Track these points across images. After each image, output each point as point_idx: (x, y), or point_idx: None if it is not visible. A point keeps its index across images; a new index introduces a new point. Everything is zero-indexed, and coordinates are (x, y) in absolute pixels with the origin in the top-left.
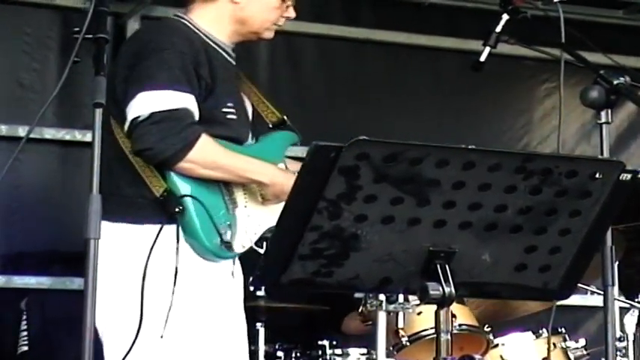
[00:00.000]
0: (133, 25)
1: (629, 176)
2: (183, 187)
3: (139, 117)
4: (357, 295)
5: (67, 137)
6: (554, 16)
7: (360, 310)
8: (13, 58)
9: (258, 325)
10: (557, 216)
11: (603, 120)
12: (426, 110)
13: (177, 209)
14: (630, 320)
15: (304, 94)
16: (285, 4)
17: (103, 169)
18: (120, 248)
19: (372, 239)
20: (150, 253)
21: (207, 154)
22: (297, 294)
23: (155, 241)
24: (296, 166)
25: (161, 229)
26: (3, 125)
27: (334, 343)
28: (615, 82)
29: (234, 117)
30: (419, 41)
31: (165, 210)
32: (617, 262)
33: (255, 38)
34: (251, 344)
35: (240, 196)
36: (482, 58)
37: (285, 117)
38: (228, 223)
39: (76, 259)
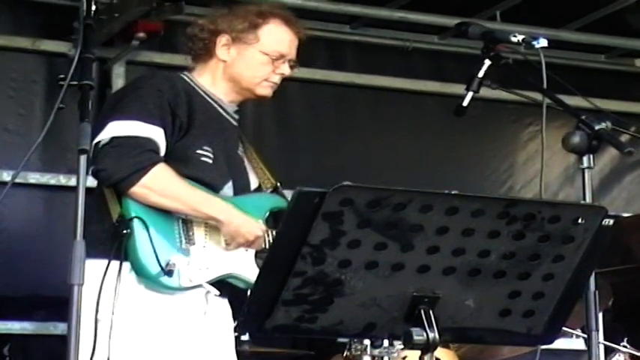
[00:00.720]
0: (118, 71)
1: (611, 222)
2: (134, 211)
3: (100, 141)
4: (341, 339)
5: (52, 182)
6: (535, 60)
7: (344, 354)
8: None
9: None
10: (541, 261)
11: (585, 165)
12: (410, 154)
13: (125, 231)
14: None
15: (289, 138)
16: (273, 61)
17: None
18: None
19: (355, 285)
20: (101, 286)
21: (161, 181)
22: (282, 339)
23: (105, 274)
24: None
25: (110, 262)
26: None
27: None
28: (597, 128)
29: (208, 160)
30: (403, 85)
31: (116, 234)
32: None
33: (252, 96)
34: None
35: (200, 234)
36: (465, 103)
37: (278, 184)
38: (179, 256)
39: (60, 304)
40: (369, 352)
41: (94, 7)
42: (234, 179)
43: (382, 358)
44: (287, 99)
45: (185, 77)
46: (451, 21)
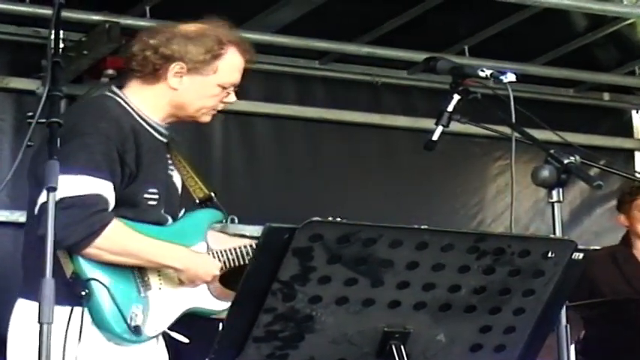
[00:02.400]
0: None
1: (581, 255)
2: (89, 270)
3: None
4: None
5: (21, 219)
6: (504, 94)
7: None
8: None
9: None
10: (511, 295)
11: (555, 199)
12: (380, 188)
13: (83, 292)
14: None
15: (258, 174)
16: (225, 91)
17: (30, 249)
18: (25, 326)
19: (326, 320)
20: (65, 337)
21: (115, 240)
22: None
23: (68, 325)
24: (221, 241)
25: (72, 311)
26: None
27: None
28: (566, 162)
29: (154, 202)
30: (372, 120)
31: (74, 292)
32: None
33: (191, 120)
34: None
35: (154, 278)
36: (435, 137)
37: (212, 193)
38: (140, 306)
39: None
40: None
41: (62, 45)
42: (171, 210)
43: None
44: (256, 134)
45: (121, 101)
46: (419, 56)
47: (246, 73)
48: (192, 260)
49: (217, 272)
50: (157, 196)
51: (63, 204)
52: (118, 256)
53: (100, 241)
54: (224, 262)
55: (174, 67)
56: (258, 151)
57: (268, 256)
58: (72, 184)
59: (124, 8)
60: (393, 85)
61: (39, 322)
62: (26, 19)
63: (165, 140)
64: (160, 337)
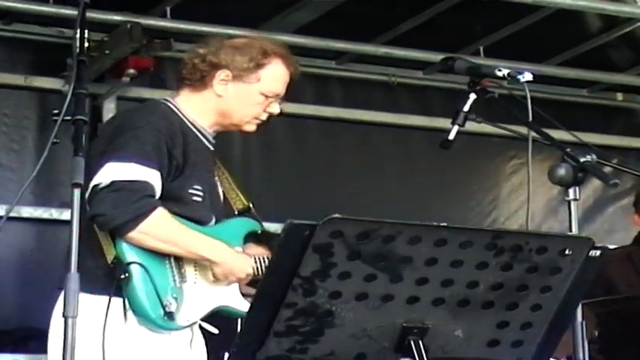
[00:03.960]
0: (109, 106)
1: (598, 252)
2: (130, 255)
3: (99, 184)
4: None
5: (45, 215)
6: (520, 95)
7: None
8: None
9: None
10: (529, 292)
11: (571, 197)
12: (396, 186)
13: (122, 276)
14: None
15: (276, 171)
16: (268, 100)
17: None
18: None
19: (346, 315)
20: (104, 326)
21: (160, 226)
22: None
23: (107, 313)
24: (257, 250)
25: (110, 300)
26: None
27: None
28: (582, 160)
29: (199, 199)
30: (388, 119)
31: (114, 277)
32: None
33: (237, 129)
34: None
35: (190, 271)
36: (451, 137)
37: (250, 204)
38: (174, 295)
39: None
40: None
41: (86, 44)
42: (215, 212)
43: None
44: (275, 134)
45: (172, 107)
46: (435, 56)
47: (292, 82)
48: (229, 256)
49: (250, 271)
50: (201, 194)
51: (113, 187)
52: (161, 242)
53: (145, 225)
54: (258, 265)
55: (220, 74)
56: (277, 149)
57: (289, 252)
58: (122, 170)
59: (146, 9)
60: (409, 84)
61: (64, 315)
62: (49, 19)
63: (211, 148)
64: (198, 331)
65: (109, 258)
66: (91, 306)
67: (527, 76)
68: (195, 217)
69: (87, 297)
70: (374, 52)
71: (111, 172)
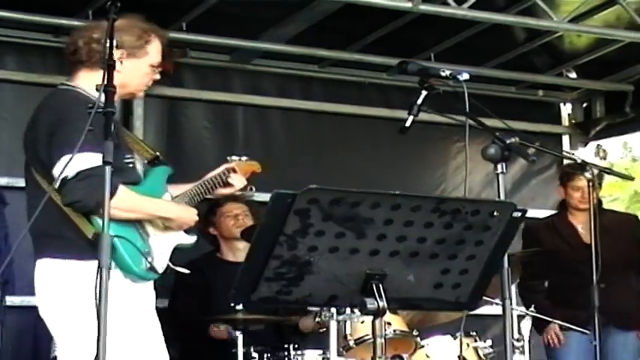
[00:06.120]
0: (137, 101)
1: (519, 214)
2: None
3: (67, 176)
4: (311, 308)
5: None
6: (460, 90)
7: (316, 320)
8: None
9: (238, 332)
10: (465, 245)
11: (499, 171)
12: (365, 164)
13: None
14: (525, 325)
15: (272, 153)
16: (155, 69)
17: (45, 216)
18: (69, 280)
19: (321, 265)
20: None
21: (125, 200)
22: (266, 307)
23: (98, 272)
24: (178, 188)
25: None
26: None
27: (296, 346)
28: (508, 142)
29: (131, 165)
30: (360, 111)
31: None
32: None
33: (131, 97)
34: (232, 348)
35: (149, 228)
36: (407, 124)
37: (157, 153)
38: (147, 250)
39: None
40: (335, 317)
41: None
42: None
43: (345, 322)
44: (270, 123)
45: (78, 90)
46: (396, 61)
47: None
48: (180, 211)
49: (196, 217)
50: (132, 160)
51: (80, 176)
52: (129, 213)
53: (114, 202)
54: (189, 201)
55: (116, 53)
56: (272, 136)
57: (276, 215)
58: (82, 161)
59: (166, 24)
60: (376, 84)
61: (99, 266)
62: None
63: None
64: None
65: (89, 234)
66: (81, 270)
67: (465, 76)
68: (132, 181)
69: (75, 263)
70: (349, 58)
71: (72, 164)
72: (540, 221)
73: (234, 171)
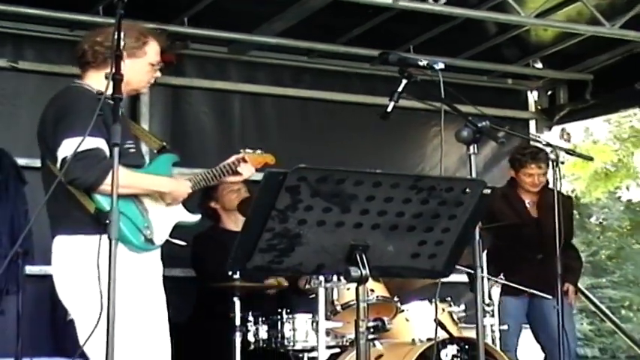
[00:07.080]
0: (144, 90)
1: (489, 191)
2: (107, 204)
3: (66, 157)
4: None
5: None
6: (437, 79)
7: (306, 287)
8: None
9: (235, 298)
10: (440, 219)
11: (472, 152)
12: (351, 146)
13: (107, 221)
14: (495, 291)
15: (264, 137)
16: (154, 67)
17: (54, 198)
18: (79, 253)
19: (310, 237)
20: (98, 257)
21: (121, 178)
22: (260, 275)
23: (100, 248)
24: (182, 178)
25: (101, 237)
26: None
27: (289, 310)
28: (479, 125)
29: (133, 150)
30: (345, 99)
31: (100, 223)
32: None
33: (136, 93)
34: (230, 311)
35: (147, 202)
36: (389, 110)
37: (164, 143)
38: (146, 224)
39: None
40: (323, 284)
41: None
42: (144, 158)
43: (332, 289)
44: (264, 109)
45: (87, 88)
46: (379, 52)
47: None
48: (173, 185)
49: (190, 190)
50: (134, 146)
51: (79, 156)
52: (125, 189)
53: (110, 178)
54: (194, 184)
55: None
56: (265, 120)
57: (268, 191)
58: (78, 143)
59: (169, 19)
60: (360, 74)
61: (109, 238)
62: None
63: (123, 112)
64: (158, 251)
65: (90, 209)
66: (87, 243)
67: (441, 65)
68: (135, 164)
69: (82, 237)
70: (335, 50)
71: (71, 146)
72: (493, 191)
73: (245, 161)
